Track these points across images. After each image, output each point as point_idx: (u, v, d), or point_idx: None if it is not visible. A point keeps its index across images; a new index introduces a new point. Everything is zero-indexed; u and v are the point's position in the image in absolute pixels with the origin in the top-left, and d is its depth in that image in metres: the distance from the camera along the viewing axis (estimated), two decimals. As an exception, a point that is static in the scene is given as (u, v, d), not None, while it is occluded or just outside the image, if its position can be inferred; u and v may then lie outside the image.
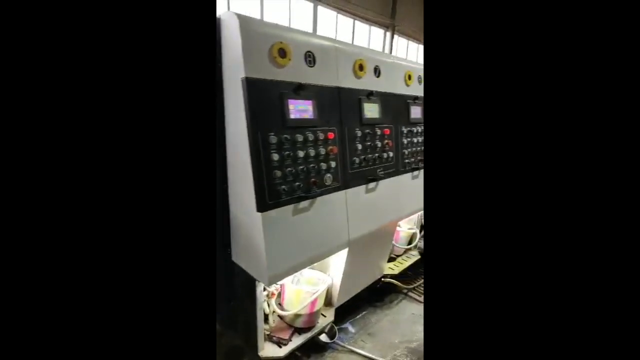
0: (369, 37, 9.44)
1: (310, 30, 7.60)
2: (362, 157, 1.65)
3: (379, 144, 1.75)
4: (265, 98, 1.18)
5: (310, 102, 1.33)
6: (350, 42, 8.61)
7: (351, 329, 1.99)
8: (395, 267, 2.38)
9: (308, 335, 1.66)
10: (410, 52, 11.35)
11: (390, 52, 9.81)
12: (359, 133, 1.61)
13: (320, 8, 7.80)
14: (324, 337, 1.84)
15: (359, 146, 1.62)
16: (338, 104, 1.49)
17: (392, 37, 9.79)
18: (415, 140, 2.06)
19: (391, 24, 9.57)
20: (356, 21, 8.90)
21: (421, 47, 11.81)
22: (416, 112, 2.06)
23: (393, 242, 2.43)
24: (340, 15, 8.42)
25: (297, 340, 1.62)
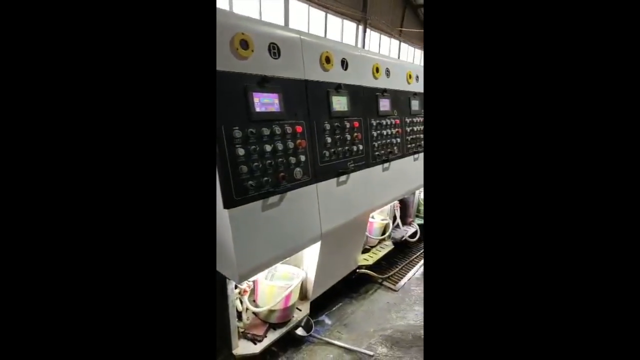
0: (341, 31, 9.43)
1: (282, 24, 7.48)
2: (332, 150, 1.65)
3: (349, 137, 1.76)
4: (227, 91, 1.14)
5: (276, 95, 1.31)
6: (322, 36, 8.58)
7: (327, 321, 2.02)
8: (370, 258, 2.43)
9: (283, 330, 1.66)
10: (382, 46, 11.49)
11: (363, 46, 9.87)
12: (328, 126, 1.61)
13: (291, 2, 7.69)
14: (300, 331, 1.84)
15: (329, 139, 1.62)
16: (305, 97, 1.47)
17: (365, 31, 9.84)
18: (384, 132, 2.09)
19: (363, 18, 9.62)
20: (329, 15, 8.86)
21: (394, 41, 11.99)
22: (385, 104, 2.08)
23: (366, 233, 2.47)
24: (312, 9, 8.35)
25: (273, 336, 1.61)
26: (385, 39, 11.42)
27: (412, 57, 13.60)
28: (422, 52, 14.10)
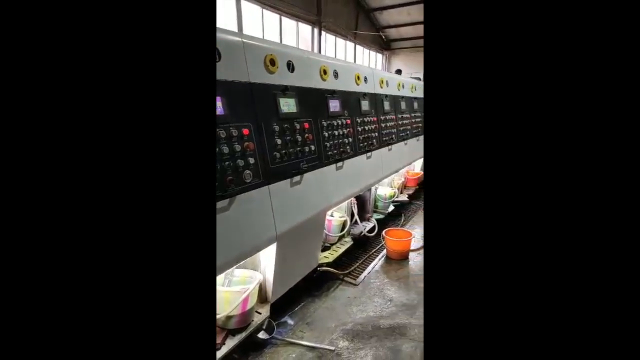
0: (297, 34, 9.48)
1: (234, 27, 7.34)
2: (283, 151, 1.67)
3: (300, 138, 1.79)
4: (164, 95, 1.11)
5: (218, 98, 1.30)
6: (279, 40, 8.52)
7: (290, 321, 2.02)
8: (330, 256, 2.48)
9: (243, 335, 1.64)
10: (339, 49, 11.74)
11: (319, 50, 10.01)
12: (277, 128, 1.63)
13: (244, 4, 7.57)
14: (262, 334, 1.83)
15: (279, 141, 1.64)
16: (251, 100, 1.48)
17: (320, 34, 9.99)
18: (336, 133, 2.15)
19: (317, 20, 9.76)
20: (285, 18, 8.87)
21: (349, 44, 12.30)
22: (335, 105, 2.15)
23: (326, 231, 2.52)
24: (267, 12, 8.30)
25: (232, 342, 1.58)
26: (340, 41, 11.68)
27: (368, 59, 14.06)
28: (377, 54, 14.63)
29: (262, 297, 1.87)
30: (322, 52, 10.17)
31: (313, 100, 1.94)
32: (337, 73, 2.18)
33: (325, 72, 2.03)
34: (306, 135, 1.85)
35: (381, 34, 13.78)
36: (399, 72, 5.32)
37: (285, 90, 1.69)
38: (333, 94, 2.13)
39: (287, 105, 1.70)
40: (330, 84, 2.10)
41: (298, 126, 1.78)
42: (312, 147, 1.90)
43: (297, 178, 1.80)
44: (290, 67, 1.74)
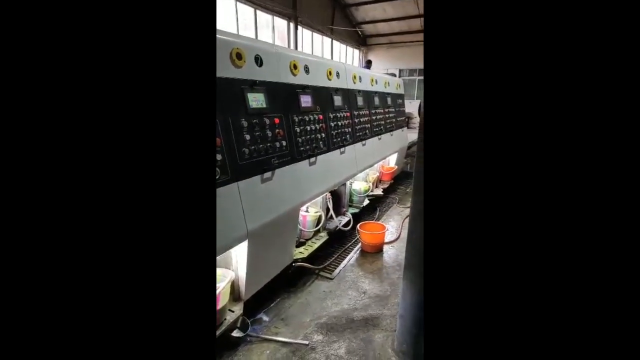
0: (272, 28, 9.34)
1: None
2: (253, 147, 1.65)
3: (270, 134, 1.77)
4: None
5: (180, 93, 1.26)
6: (254, 36, 8.35)
7: (265, 318, 2.02)
8: (305, 251, 2.48)
9: (215, 334, 1.61)
10: (316, 45, 11.68)
11: (296, 44, 9.92)
12: (246, 123, 1.60)
13: (216, -5, 7.34)
14: (236, 332, 1.81)
15: (247, 137, 1.61)
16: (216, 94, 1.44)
17: (296, 29, 9.89)
18: (308, 128, 2.15)
19: (293, 15, 9.65)
20: (260, 12, 8.69)
21: (326, 39, 12.26)
22: (306, 101, 2.14)
23: (300, 227, 2.52)
24: (242, 6, 8.09)
25: (203, 342, 1.56)
26: (317, 37, 11.62)
27: (345, 55, 14.09)
28: (354, 50, 14.70)
29: (235, 295, 1.85)
30: (299, 48, 10.08)
31: (284, 95, 1.92)
32: (308, 68, 2.17)
33: (295, 67, 2.02)
34: (277, 130, 1.83)
35: (357, 29, 13.83)
36: (369, 63, 5.35)
37: (254, 85, 1.66)
38: (304, 89, 2.12)
39: (256, 100, 1.68)
40: (301, 79, 2.09)
41: (268, 122, 1.76)
42: (284, 143, 1.89)
43: (268, 174, 1.78)
44: (259, 61, 1.71)
